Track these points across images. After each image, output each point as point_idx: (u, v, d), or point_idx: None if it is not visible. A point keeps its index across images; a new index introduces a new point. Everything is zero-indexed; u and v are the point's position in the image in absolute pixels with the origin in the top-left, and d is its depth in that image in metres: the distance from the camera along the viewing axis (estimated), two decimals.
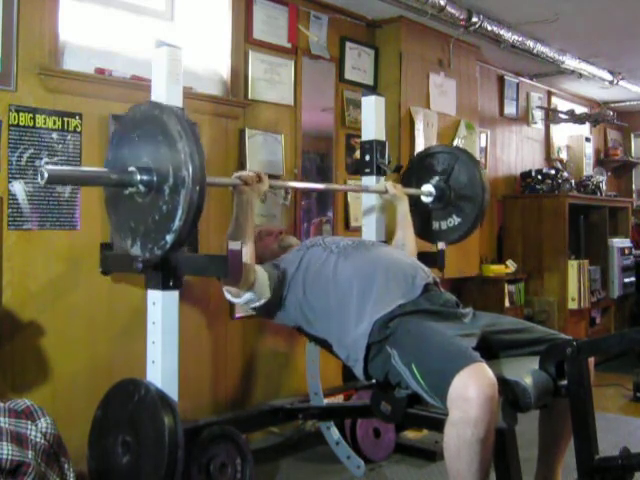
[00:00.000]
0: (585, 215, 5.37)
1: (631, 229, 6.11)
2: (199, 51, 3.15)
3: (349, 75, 3.82)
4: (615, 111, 6.53)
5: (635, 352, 4.53)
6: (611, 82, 5.33)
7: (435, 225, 3.00)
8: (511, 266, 4.95)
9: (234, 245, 1.98)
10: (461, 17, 3.74)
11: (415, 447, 3.14)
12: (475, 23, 3.83)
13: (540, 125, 5.74)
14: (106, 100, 2.66)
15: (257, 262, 2.23)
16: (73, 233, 2.62)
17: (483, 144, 4.97)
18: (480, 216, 2.93)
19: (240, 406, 3.24)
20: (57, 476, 1.97)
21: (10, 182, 2.44)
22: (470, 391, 1.66)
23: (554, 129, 5.91)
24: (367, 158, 2.95)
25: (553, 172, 5.29)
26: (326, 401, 2.91)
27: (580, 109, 6.02)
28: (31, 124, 2.48)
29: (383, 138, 2.98)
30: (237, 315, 3.22)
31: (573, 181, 5.41)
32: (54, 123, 2.55)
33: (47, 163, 2.51)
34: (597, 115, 5.96)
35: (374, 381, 2.13)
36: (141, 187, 1.87)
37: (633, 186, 6.95)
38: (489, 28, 3.93)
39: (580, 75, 5.01)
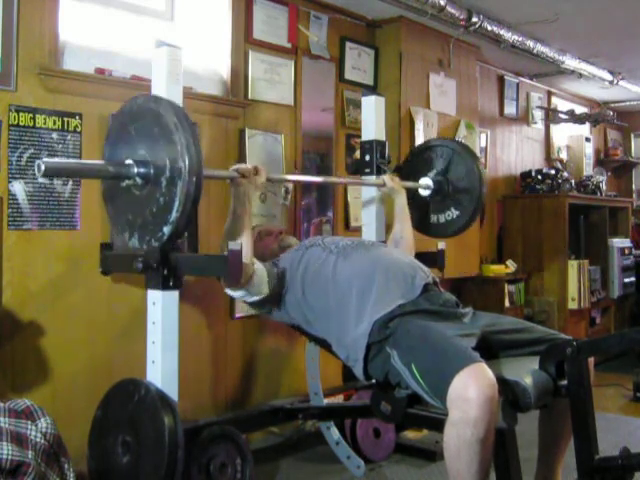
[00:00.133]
0: (585, 215, 5.37)
1: (631, 229, 6.11)
2: (199, 51, 3.15)
3: (349, 75, 3.82)
4: (615, 111, 6.53)
5: (635, 352, 4.53)
6: (611, 82, 5.33)
7: (433, 218, 3.00)
8: (511, 266, 4.95)
9: (234, 245, 1.98)
10: (461, 17, 3.74)
11: (415, 447, 3.14)
12: (475, 23, 3.83)
13: (540, 125, 5.74)
14: (106, 100, 2.66)
15: None
16: (73, 233, 2.62)
17: (483, 144, 4.97)
18: (478, 209, 2.93)
19: (240, 406, 3.24)
20: (57, 476, 1.97)
21: (10, 182, 2.44)
22: (470, 391, 1.66)
23: (554, 129, 5.91)
24: (367, 158, 2.95)
25: (553, 172, 5.29)
26: (326, 401, 2.91)
27: (580, 109, 6.02)
28: (31, 124, 2.49)
29: (383, 138, 2.98)
30: (237, 315, 3.22)
31: (573, 181, 5.41)
32: (54, 123, 2.55)
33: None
34: (597, 115, 5.96)
35: (374, 381, 2.13)
36: (138, 179, 1.88)
37: (633, 186, 6.95)
38: (489, 28, 3.93)
39: (580, 75, 5.01)
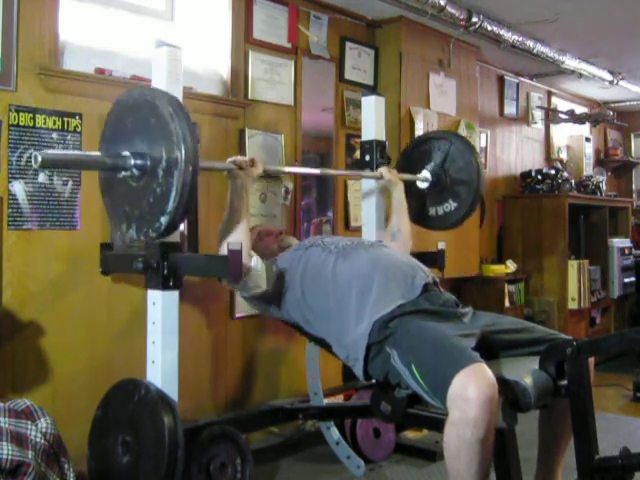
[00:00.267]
0: (585, 215, 5.37)
1: (631, 229, 6.11)
2: (199, 51, 3.15)
3: (349, 75, 3.82)
4: (615, 111, 6.53)
5: (635, 352, 4.53)
6: (611, 82, 5.33)
7: (432, 211, 3.00)
8: (511, 266, 4.95)
9: (234, 245, 1.98)
10: (461, 17, 3.74)
11: (415, 447, 3.14)
12: (475, 23, 3.83)
13: (540, 125, 5.74)
14: (106, 100, 2.63)
15: None
16: (73, 233, 2.62)
17: (483, 144, 4.97)
18: (476, 201, 2.93)
19: (240, 406, 3.24)
20: (57, 476, 1.97)
21: (10, 182, 2.44)
22: (470, 391, 1.66)
23: (554, 129, 5.91)
24: (367, 158, 2.95)
25: (553, 172, 5.29)
26: (326, 401, 2.91)
27: (580, 109, 6.02)
28: (31, 124, 2.49)
29: (383, 138, 2.98)
30: (237, 315, 3.22)
31: (573, 181, 5.41)
32: (54, 123, 2.55)
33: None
34: (597, 115, 5.96)
35: (374, 381, 2.13)
36: (135, 171, 1.88)
37: (633, 186, 6.95)
38: (489, 28, 3.93)
39: (580, 75, 5.02)
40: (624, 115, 6.65)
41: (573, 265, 4.95)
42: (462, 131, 4.22)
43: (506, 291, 4.70)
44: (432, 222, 3.01)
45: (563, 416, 2.02)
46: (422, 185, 2.96)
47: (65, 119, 2.58)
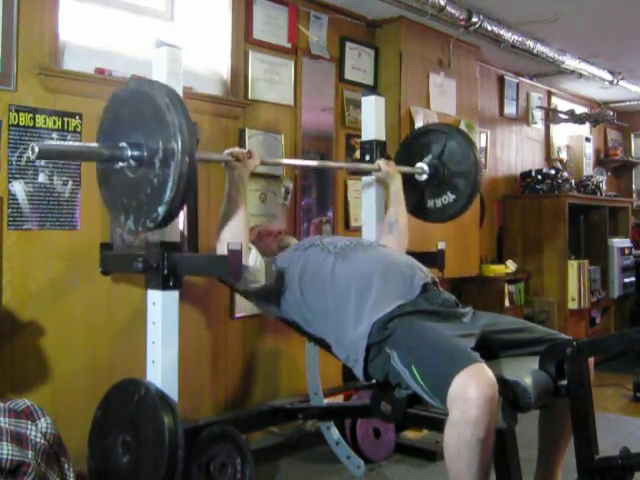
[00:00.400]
0: (585, 215, 5.37)
1: (631, 229, 6.11)
2: (199, 51, 3.15)
3: (349, 75, 3.82)
4: (615, 111, 6.53)
5: (635, 352, 4.53)
6: (611, 82, 5.33)
7: (430, 203, 3.00)
8: (511, 266, 4.95)
9: (234, 245, 1.98)
10: (461, 17, 3.74)
11: (415, 447, 3.14)
12: (475, 23, 3.83)
13: (540, 125, 5.74)
14: (106, 100, 2.64)
15: None
16: (73, 233, 2.62)
17: (483, 144, 4.97)
18: (474, 193, 2.93)
19: (240, 406, 3.24)
20: (57, 476, 1.97)
21: (10, 182, 2.44)
22: (470, 391, 1.66)
23: (554, 129, 5.91)
24: (367, 158, 2.95)
25: (553, 172, 5.29)
26: (326, 401, 2.91)
27: (580, 109, 6.02)
28: (31, 124, 2.49)
29: (383, 138, 2.98)
30: (237, 315, 3.22)
31: (573, 181, 5.41)
32: (54, 123, 2.55)
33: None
34: (597, 115, 5.96)
35: (374, 381, 2.13)
36: (132, 162, 1.88)
37: (633, 186, 6.95)
38: (489, 28, 3.93)
39: (580, 75, 5.02)
40: (624, 115, 6.65)
41: (573, 265, 4.95)
42: None
43: (506, 291, 4.70)
44: (430, 214, 3.02)
45: (563, 416, 2.02)
46: (420, 177, 2.96)
47: (65, 119, 2.58)
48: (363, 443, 2.99)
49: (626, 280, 5.63)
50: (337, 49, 3.77)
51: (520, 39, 4.17)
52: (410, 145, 3.05)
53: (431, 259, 2.78)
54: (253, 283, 2.19)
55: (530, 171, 5.32)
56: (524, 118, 5.53)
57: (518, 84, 5.38)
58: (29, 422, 1.95)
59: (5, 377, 2.43)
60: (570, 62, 4.72)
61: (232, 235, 2.13)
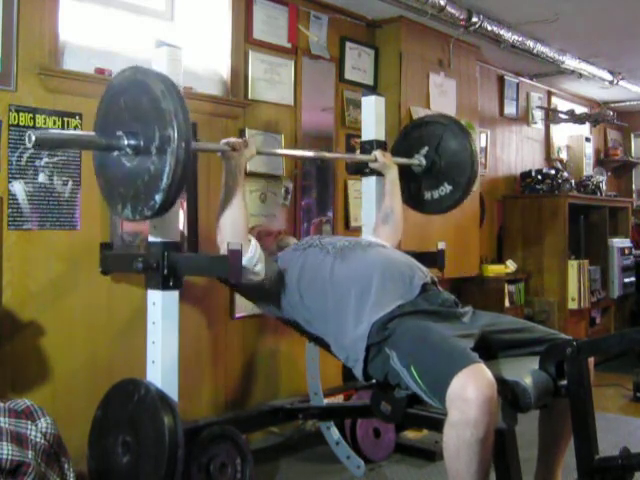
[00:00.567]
0: (585, 215, 5.37)
1: (631, 229, 6.11)
2: (199, 51, 3.15)
3: (349, 75, 3.82)
4: (615, 111, 6.53)
5: (635, 352, 4.53)
6: (611, 82, 5.33)
7: (427, 195, 3.00)
8: (511, 266, 4.95)
9: (234, 245, 1.98)
10: (461, 17, 3.74)
11: (415, 447, 3.14)
12: (475, 23, 3.83)
13: (540, 125, 5.74)
14: None
15: None
16: (73, 233, 2.62)
17: (483, 144, 4.97)
18: (471, 183, 2.92)
19: (240, 406, 3.24)
20: (57, 476, 1.97)
21: (10, 182, 2.44)
22: (469, 392, 1.66)
23: (554, 129, 5.91)
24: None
25: (553, 172, 5.29)
26: (326, 401, 2.91)
27: (580, 109, 6.02)
28: (31, 124, 2.49)
29: (383, 138, 2.98)
30: (237, 315, 3.22)
31: (573, 181, 5.41)
32: (54, 123, 2.55)
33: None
34: (597, 115, 5.96)
35: (374, 381, 2.13)
36: (129, 150, 1.88)
37: (633, 186, 6.95)
38: (489, 28, 3.93)
39: (580, 75, 5.01)
40: (624, 115, 6.65)
41: (573, 265, 4.95)
42: None
43: (506, 291, 4.70)
44: (428, 206, 3.01)
45: (563, 416, 2.02)
46: (417, 169, 2.97)
47: (65, 119, 2.58)
48: (363, 443, 2.99)
49: (626, 280, 5.63)
50: (337, 49, 3.77)
51: (520, 39, 4.17)
52: (407, 137, 3.05)
53: (431, 259, 2.78)
54: (252, 275, 2.18)
55: (530, 171, 5.32)
56: (524, 118, 5.53)
57: (518, 84, 5.38)
58: (29, 422, 1.95)
59: (5, 377, 2.43)
60: (570, 62, 4.72)
61: (232, 223, 2.14)
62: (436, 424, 2.23)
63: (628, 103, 6.34)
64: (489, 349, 2.01)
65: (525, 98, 5.52)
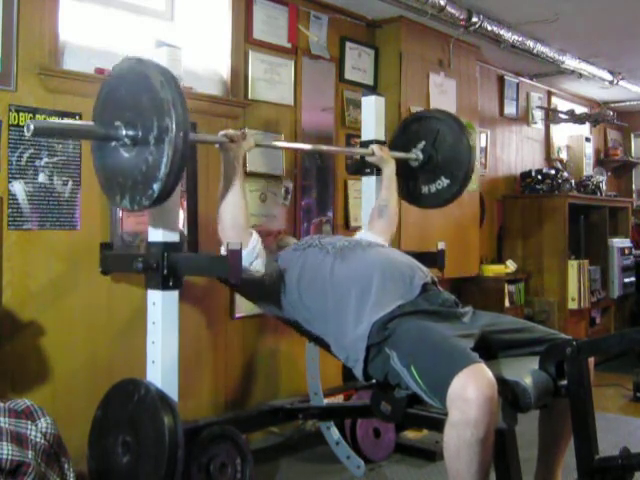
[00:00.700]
0: (585, 215, 5.37)
1: (631, 229, 6.11)
2: (199, 51, 3.15)
3: (349, 75, 3.82)
4: (615, 111, 6.53)
5: (635, 352, 4.53)
6: (611, 82, 5.33)
7: (424, 189, 3.00)
8: (511, 266, 4.95)
9: (234, 245, 1.98)
10: (461, 17, 3.74)
11: (415, 447, 3.14)
12: (475, 23, 3.83)
13: (540, 125, 5.74)
14: None
15: None
16: (73, 233, 2.62)
17: (483, 144, 4.97)
18: (468, 177, 2.92)
19: (240, 406, 3.24)
20: (57, 476, 1.97)
21: (10, 182, 2.44)
22: (469, 392, 1.66)
23: (554, 129, 5.91)
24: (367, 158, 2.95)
25: (553, 172, 5.29)
26: (326, 401, 2.91)
27: (580, 109, 6.02)
28: None
29: (383, 138, 2.98)
30: (237, 315, 3.22)
31: (573, 181, 5.41)
32: None
33: (46, 164, 2.51)
34: (597, 115, 5.96)
35: (374, 381, 2.13)
36: (127, 140, 1.88)
37: (633, 186, 6.95)
38: (489, 28, 3.93)
39: (580, 75, 5.01)
40: (624, 115, 6.65)
41: (573, 265, 4.95)
42: None
43: (506, 291, 4.70)
44: (424, 200, 3.01)
45: (563, 416, 2.02)
46: (414, 164, 2.97)
47: (65, 119, 2.57)
48: (363, 443, 2.99)
49: (626, 280, 5.63)
50: (337, 49, 3.77)
51: (520, 39, 4.17)
52: (404, 131, 3.05)
53: (431, 259, 2.78)
54: (253, 268, 2.15)
55: (530, 171, 5.32)
56: (524, 118, 5.53)
57: (518, 84, 5.38)
58: (29, 422, 1.95)
59: (5, 377, 2.43)
60: (570, 62, 4.72)
61: (232, 212, 2.14)
62: (436, 424, 2.23)
63: (628, 103, 6.34)
64: (489, 349, 2.01)
65: (525, 98, 5.52)
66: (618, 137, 6.96)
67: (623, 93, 5.89)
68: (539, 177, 5.23)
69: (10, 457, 1.78)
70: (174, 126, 1.77)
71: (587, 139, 6.17)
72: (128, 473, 2.07)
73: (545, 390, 1.88)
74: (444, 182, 2.94)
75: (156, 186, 1.82)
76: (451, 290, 3.02)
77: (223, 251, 2.09)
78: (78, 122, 2.04)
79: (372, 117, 2.96)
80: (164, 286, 2.10)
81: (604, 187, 5.85)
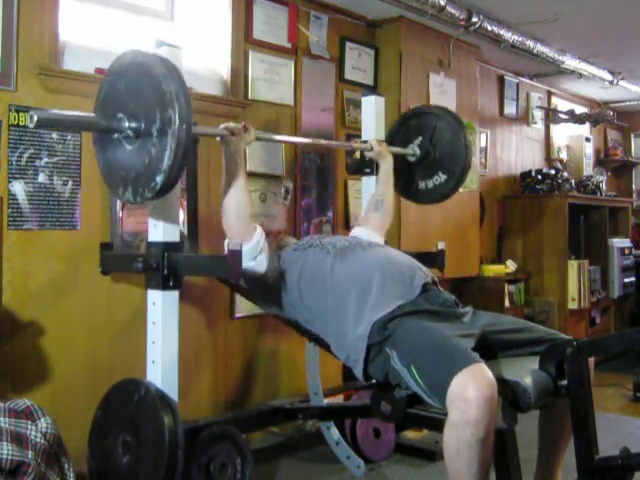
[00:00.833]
0: (585, 215, 5.37)
1: (631, 229, 6.11)
2: (199, 51, 3.15)
3: (349, 75, 3.82)
4: (615, 111, 6.53)
5: (635, 352, 4.53)
6: (611, 82, 5.33)
7: (421, 185, 3.00)
8: (511, 266, 4.95)
9: (234, 245, 1.98)
10: (461, 17, 3.74)
11: (415, 447, 3.14)
12: (475, 23, 3.83)
13: (540, 125, 5.74)
14: None
15: None
16: (73, 233, 2.62)
17: (483, 144, 4.97)
18: (465, 172, 2.92)
19: (240, 406, 3.24)
20: (57, 476, 1.97)
21: (10, 182, 2.44)
22: (469, 392, 1.66)
23: (554, 129, 5.91)
24: (367, 158, 2.95)
25: (553, 172, 5.29)
26: (326, 401, 2.91)
27: (580, 109, 6.02)
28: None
29: (383, 138, 2.98)
30: (237, 315, 3.22)
31: (573, 181, 5.41)
32: None
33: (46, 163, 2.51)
34: (597, 115, 5.96)
35: (374, 381, 2.13)
36: (130, 132, 1.88)
37: (633, 186, 6.95)
38: (489, 28, 3.93)
39: (580, 75, 5.02)
40: (624, 115, 6.65)
41: (573, 265, 4.95)
42: None
43: (506, 291, 4.70)
44: (422, 196, 3.02)
45: (563, 416, 2.02)
46: (411, 159, 2.97)
47: None
48: (363, 443, 2.99)
49: (626, 280, 5.63)
50: (337, 49, 3.77)
51: (520, 39, 4.17)
52: (401, 127, 3.05)
53: (431, 259, 2.78)
54: (257, 264, 2.14)
55: (530, 171, 5.32)
56: (524, 118, 5.53)
57: (518, 84, 5.38)
58: (29, 422, 1.95)
59: (5, 377, 2.43)
60: (570, 62, 4.72)
61: (235, 205, 2.15)
62: (436, 424, 2.23)
63: (628, 103, 6.34)
64: (489, 349, 2.01)
65: (525, 98, 5.52)
66: (618, 137, 6.97)
67: (623, 93, 5.89)
68: (539, 177, 5.23)
69: (10, 457, 1.78)
70: (177, 118, 1.77)
71: (587, 139, 6.17)
72: (128, 473, 2.07)
73: (545, 390, 1.88)
74: (441, 178, 2.94)
75: (159, 178, 1.83)
76: (451, 290, 3.02)
77: (226, 245, 2.09)
78: (81, 114, 2.03)
79: (372, 117, 2.97)
80: (164, 286, 2.10)
81: (604, 187, 5.86)
